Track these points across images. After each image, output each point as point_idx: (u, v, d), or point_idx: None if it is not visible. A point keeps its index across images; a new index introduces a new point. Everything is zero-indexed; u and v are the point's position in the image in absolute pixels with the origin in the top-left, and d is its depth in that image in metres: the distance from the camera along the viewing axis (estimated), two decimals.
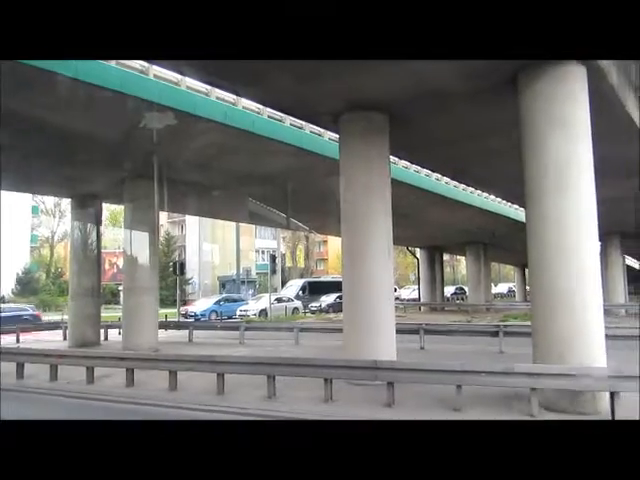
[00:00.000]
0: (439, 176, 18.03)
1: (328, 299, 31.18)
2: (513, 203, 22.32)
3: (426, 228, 25.16)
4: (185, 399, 8.20)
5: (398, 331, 9.83)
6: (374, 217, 9.42)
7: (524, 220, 7.99)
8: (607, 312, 11.55)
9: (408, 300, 36.98)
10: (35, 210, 50.24)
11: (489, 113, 9.52)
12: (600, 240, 8.00)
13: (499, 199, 22.18)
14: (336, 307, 27.82)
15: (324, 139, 13.66)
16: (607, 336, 7.25)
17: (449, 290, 42.96)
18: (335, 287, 30.00)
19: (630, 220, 21.24)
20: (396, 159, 14.56)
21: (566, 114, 7.24)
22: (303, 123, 12.88)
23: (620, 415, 6.23)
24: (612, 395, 6.42)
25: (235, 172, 14.37)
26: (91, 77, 8.65)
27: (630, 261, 41.13)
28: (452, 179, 18.43)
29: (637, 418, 4.69)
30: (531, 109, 7.54)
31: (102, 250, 21.07)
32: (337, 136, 10.57)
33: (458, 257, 56.67)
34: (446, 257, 46.21)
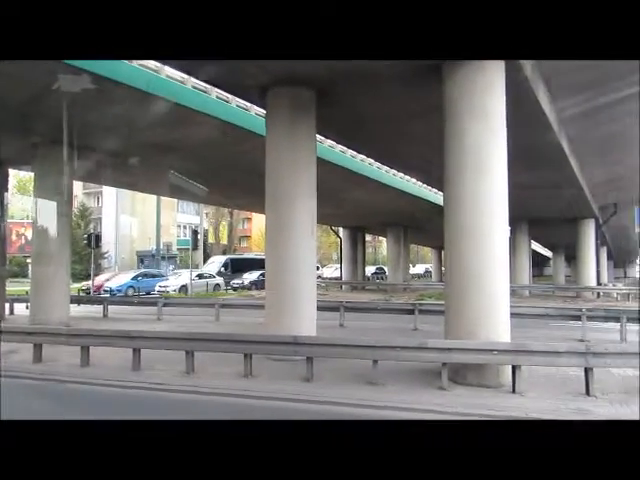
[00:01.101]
0: (364, 157, 18.34)
1: (251, 276, 31.10)
2: (433, 187, 23.18)
3: (350, 208, 25.58)
4: (98, 375, 7.93)
5: (319, 308, 10.02)
6: (299, 195, 9.45)
7: (442, 204, 8.34)
8: (513, 293, 12.38)
9: (330, 279, 37.63)
10: None
11: (414, 97, 9.75)
12: (509, 225, 8.52)
13: (420, 183, 22.96)
14: (259, 284, 27.83)
15: (251, 114, 13.45)
16: (512, 314, 7.79)
17: (370, 270, 44.23)
18: (258, 264, 29.90)
19: (537, 207, 22.75)
20: (322, 138, 14.63)
21: (485, 104, 7.58)
22: (230, 96, 12.60)
23: (521, 388, 6.78)
24: (514, 369, 6.93)
25: (156, 143, 13.83)
26: None
27: (535, 246, 44.16)
28: (377, 160, 18.81)
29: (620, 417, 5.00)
30: (453, 97, 7.82)
31: (8, 220, 19.68)
32: (264, 111, 10.45)
33: (380, 238, 58.25)
34: (368, 238, 47.41)
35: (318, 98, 9.56)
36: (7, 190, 18.61)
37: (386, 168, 19.94)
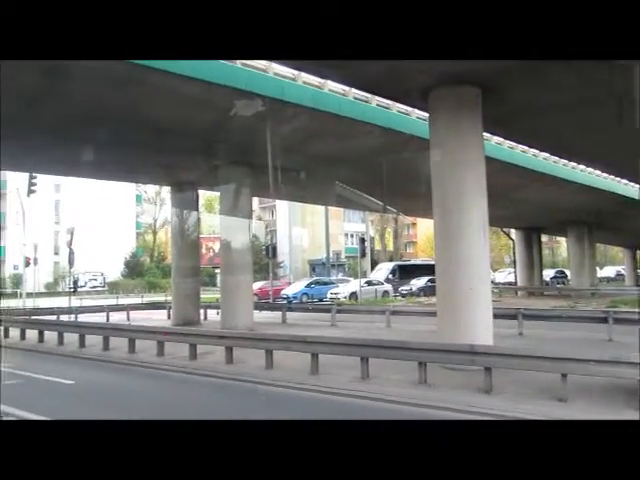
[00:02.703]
0: (537, 152, 17.00)
1: (419, 282, 30.70)
2: (622, 178, 20.54)
3: (523, 208, 23.90)
4: (280, 377, 8.43)
5: (494, 316, 9.43)
6: (468, 197, 9.06)
7: (635, 197, 7.31)
8: None
9: (503, 284, 35.48)
10: (139, 199, 53.87)
11: (590, 84, 8.78)
12: None
13: (606, 174, 20.51)
14: (427, 291, 27.34)
15: (412, 118, 13.33)
16: None
17: (548, 274, 40.63)
18: (425, 270, 29.51)
19: None
20: (489, 135, 13.89)
21: None
22: (390, 102, 12.65)
23: None
24: None
25: (323, 156, 14.44)
26: (182, 69, 8.98)
27: None
28: (552, 154, 17.30)
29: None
30: None
31: (200, 235, 22.18)
32: (426, 114, 10.26)
33: (557, 239, 53.46)
34: (544, 238, 43.76)
35: (484, 94, 9.09)
36: (198, 209, 20.98)
37: (564, 161, 18.23)
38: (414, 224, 59.83)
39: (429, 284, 27.16)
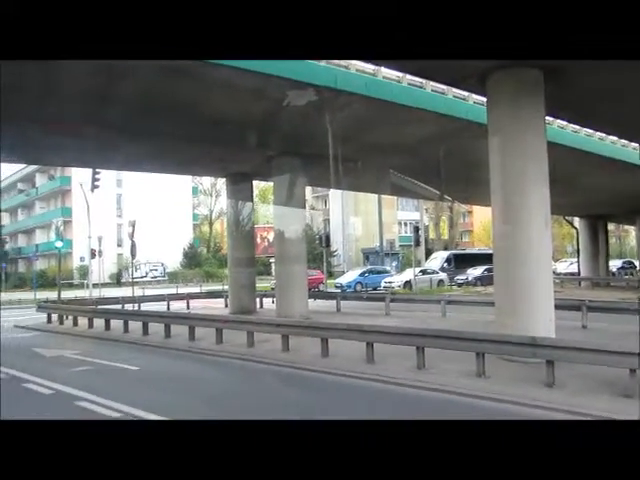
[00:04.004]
0: (603, 135, 16.16)
1: (475, 272, 30.07)
2: None
3: (587, 195, 22.86)
4: (336, 365, 8.50)
5: (555, 307, 9.10)
6: (528, 183, 8.74)
7: None
8: None
9: (565, 274, 34.13)
10: (195, 191, 55.33)
11: None
12: None
13: None
14: (484, 280, 26.75)
15: (469, 103, 12.97)
16: None
17: (615, 264, 38.69)
18: (482, 259, 28.85)
19: None
20: (551, 119, 13.32)
21: None
22: (446, 88, 12.35)
23: None
24: None
25: (377, 144, 14.31)
26: (238, 62, 9.05)
27: None
28: (620, 138, 16.40)
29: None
30: None
31: (254, 225, 22.57)
32: (484, 99, 9.96)
33: (625, 227, 50.82)
34: (611, 227, 41.68)
35: (546, 77, 8.72)
36: (252, 199, 21.31)
37: (634, 145, 17.23)
38: (470, 212, 58.44)
39: (486, 273, 26.55)
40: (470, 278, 30.00)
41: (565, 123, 14.78)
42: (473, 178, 15.01)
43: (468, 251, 40.65)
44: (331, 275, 35.51)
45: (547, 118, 10.60)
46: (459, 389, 6.88)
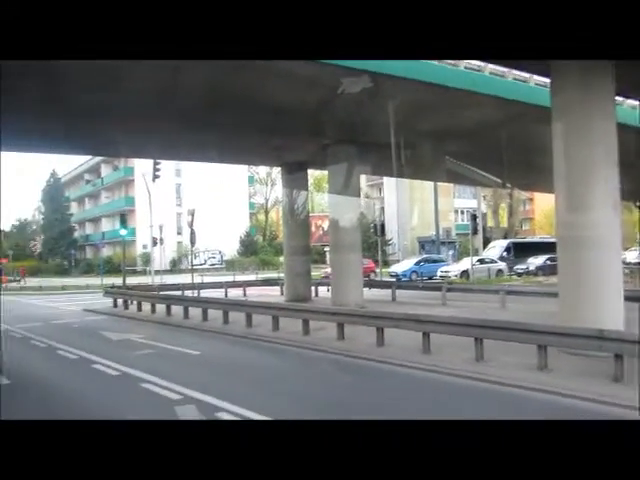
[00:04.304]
0: None
1: (536, 261, 29.00)
2: None
3: None
4: (392, 355, 8.45)
5: (625, 299, 8.63)
6: (595, 168, 8.31)
7: None
8: None
9: (635, 264, 32.35)
10: (251, 180, 56.25)
11: None
12: None
13: None
14: (546, 270, 25.78)
15: (530, 85, 12.45)
16: None
17: None
18: (544, 248, 27.81)
19: None
20: (621, 99, 12.59)
21: None
22: (505, 70, 11.90)
23: None
24: None
25: (433, 130, 14.02)
26: None
27: None
28: None
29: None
30: None
31: (309, 214, 22.69)
32: (547, 80, 9.52)
33: None
34: None
35: None
36: (307, 188, 21.42)
37: None
38: (531, 199, 56.50)
39: (548, 262, 25.57)
40: (531, 267, 28.98)
41: (638, 103, 13.91)
42: (535, 164, 14.42)
43: (529, 239, 39.30)
44: (386, 264, 35.24)
45: (617, 99, 10.03)
46: (521, 382, 6.68)
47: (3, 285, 35.66)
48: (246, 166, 46.88)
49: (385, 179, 45.88)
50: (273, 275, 29.75)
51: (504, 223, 53.71)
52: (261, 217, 61.33)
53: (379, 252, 28.21)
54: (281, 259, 25.96)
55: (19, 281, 36.69)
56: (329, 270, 27.85)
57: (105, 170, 51.65)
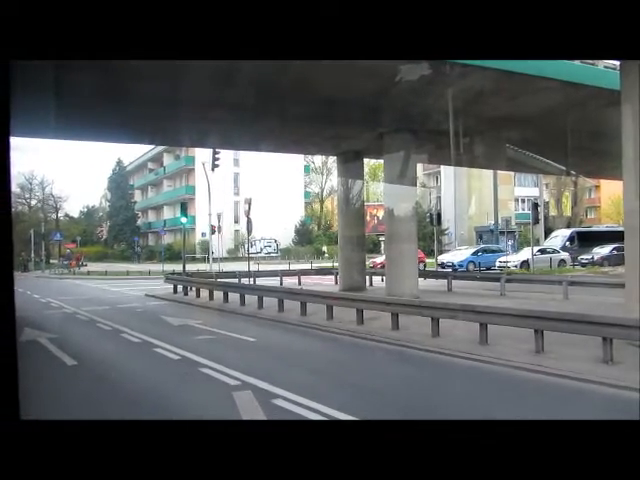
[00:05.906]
0: None
1: (602, 251, 27.71)
2: None
3: None
4: (448, 346, 8.34)
5: None
6: None
7: None
8: None
9: None
10: (307, 169, 56.60)
11: None
12: None
13: None
14: (612, 260, 24.62)
15: (598, 68, 11.84)
16: None
17: None
18: (610, 237, 26.60)
19: None
20: None
21: None
22: None
23: None
24: None
25: (493, 117, 13.61)
26: None
27: None
28: None
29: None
30: None
31: (364, 203, 22.58)
32: (616, 62, 9.03)
33: None
34: None
35: None
36: (363, 177, 21.34)
37: None
38: (597, 187, 53.87)
39: (615, 252, 24.42)
40: (596, 257, 27.72)
41: None
42: (601, 149, 13.80)
43: (594, 228, 37.57)
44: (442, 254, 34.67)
45: None
46: (585, 375, 6.44)
47: (71, 269, 37.92)
48: (302, 155, 47.23)
49: (442, 168, 44.98)
50: (328, 264, 29.89)
51: (568, 212, 51.61)
52: (316, 206, 61.66)
53: (434, 242, 27.78)
54: (335, 248, 26.00)
55: (82, 266, 38.91)
56: (377, 260, 27.79)
57: (167, 159, 53.39)
